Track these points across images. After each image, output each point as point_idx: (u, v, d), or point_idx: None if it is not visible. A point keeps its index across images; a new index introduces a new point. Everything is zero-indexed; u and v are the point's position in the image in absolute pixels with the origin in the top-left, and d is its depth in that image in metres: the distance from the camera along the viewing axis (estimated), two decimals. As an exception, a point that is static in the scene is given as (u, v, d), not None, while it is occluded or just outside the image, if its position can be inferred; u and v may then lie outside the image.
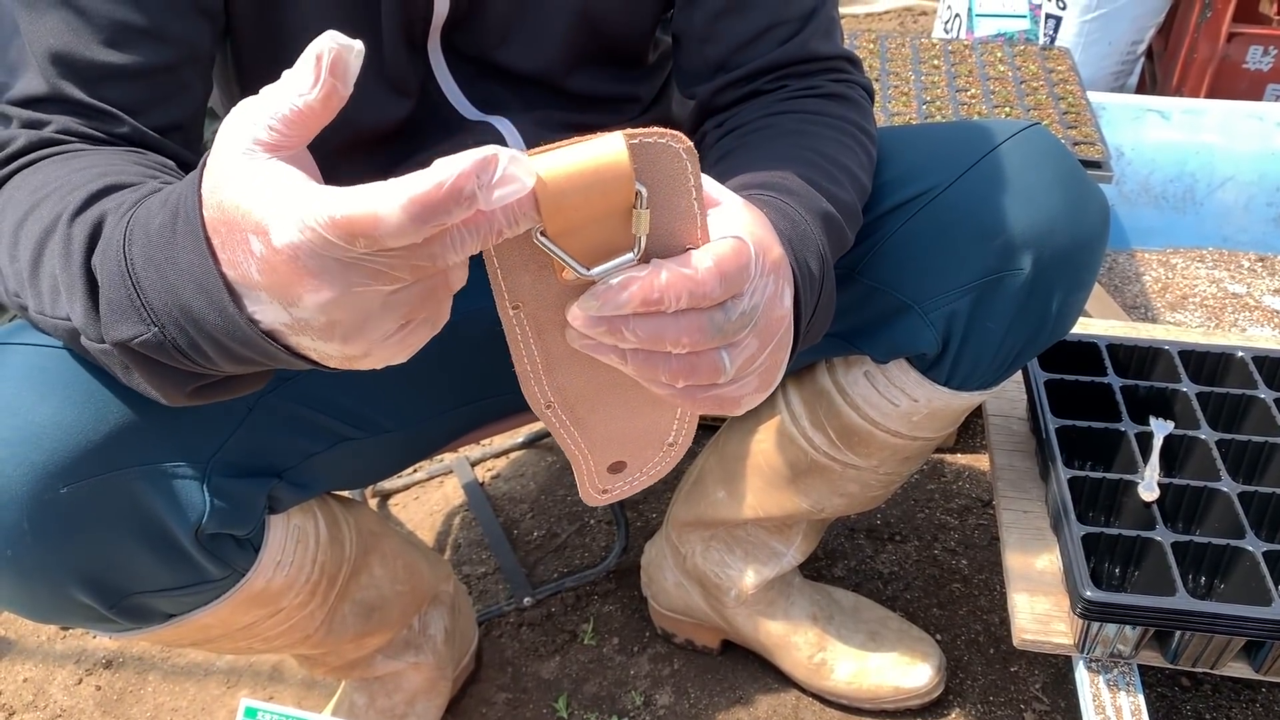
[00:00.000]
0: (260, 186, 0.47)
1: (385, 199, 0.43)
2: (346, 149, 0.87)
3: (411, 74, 0.86)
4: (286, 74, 0.47)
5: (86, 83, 0.71)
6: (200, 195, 0.51)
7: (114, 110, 0.71)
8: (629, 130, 0.48)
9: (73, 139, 0.70)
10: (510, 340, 0.55)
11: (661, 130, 0.50)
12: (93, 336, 0.59)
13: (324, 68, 0.46)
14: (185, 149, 0.76)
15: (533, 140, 0.92)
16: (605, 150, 0.48)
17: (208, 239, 0.51)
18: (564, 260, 0.50)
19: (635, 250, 0.51)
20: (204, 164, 0.52)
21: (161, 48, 0.73)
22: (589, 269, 0.51)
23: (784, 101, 0.85)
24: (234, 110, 0.49)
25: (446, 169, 0.43)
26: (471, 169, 0.43)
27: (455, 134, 0.90)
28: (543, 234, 0.49)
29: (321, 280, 0.47)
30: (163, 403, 0.63)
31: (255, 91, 0.48)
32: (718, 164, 0.80)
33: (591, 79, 0.93)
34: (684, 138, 0.50)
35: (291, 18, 0.79)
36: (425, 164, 0.44)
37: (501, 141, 0.91)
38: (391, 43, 0.83)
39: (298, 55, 0.46)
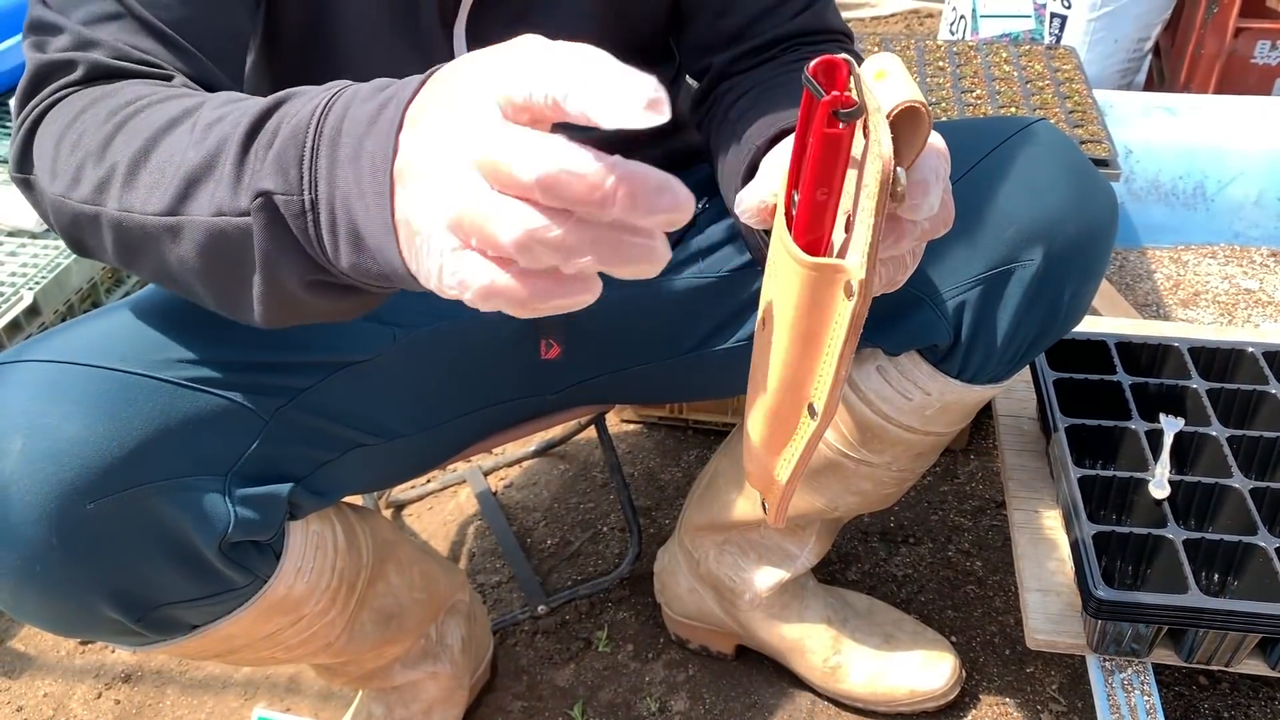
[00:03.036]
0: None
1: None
2: None
3: (440, 54, 0.87)
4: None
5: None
6: (419, 90, 0.50)
7: (182, 41, 0.71)
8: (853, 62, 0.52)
9: (129, 64, 0.70)
10: (843, 353, 0.54)
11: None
12: (226, 205, 0.57)
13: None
14: None
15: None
16: (907, 85, 0.53)
17: (403, 119, 0.50)
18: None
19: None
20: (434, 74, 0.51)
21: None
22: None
23: (800, 61, 0.88)
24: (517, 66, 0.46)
25: (610, 167, 0.41)
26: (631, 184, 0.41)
27: None
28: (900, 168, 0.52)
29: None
30: (259, 314, 0.60)
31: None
32: (743, 114, 0.84)
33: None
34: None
35: None
36: None
37: None
38: (428, 16, 0.84)
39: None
